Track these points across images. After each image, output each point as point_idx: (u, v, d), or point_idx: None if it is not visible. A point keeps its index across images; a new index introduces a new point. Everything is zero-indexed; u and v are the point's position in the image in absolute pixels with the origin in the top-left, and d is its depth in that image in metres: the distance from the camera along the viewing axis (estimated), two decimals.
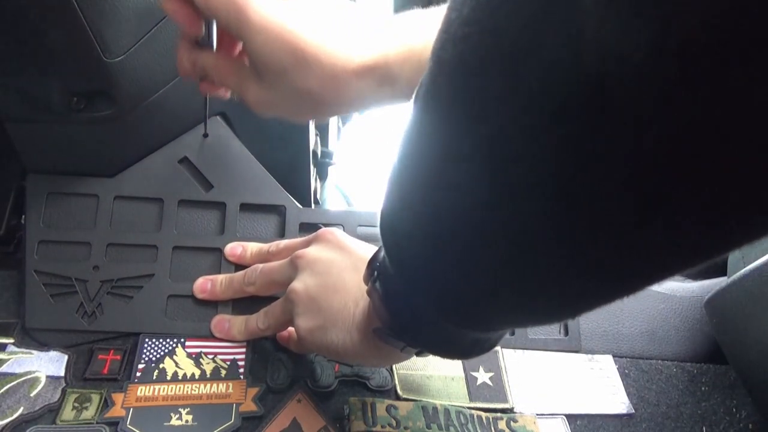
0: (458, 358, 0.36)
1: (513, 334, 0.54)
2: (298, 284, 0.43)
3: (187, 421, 0.43)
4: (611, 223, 0.18)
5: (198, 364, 0.47)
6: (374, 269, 0.35)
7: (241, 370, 0.47)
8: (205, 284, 0.50)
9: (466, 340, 0.33)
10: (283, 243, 0.50)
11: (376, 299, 0.35)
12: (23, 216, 0.51)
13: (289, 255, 0.47)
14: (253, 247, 0.51)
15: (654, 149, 0.16)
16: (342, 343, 0.40)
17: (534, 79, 0.17)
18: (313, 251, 0.44)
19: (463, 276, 0.25)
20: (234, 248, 0.51)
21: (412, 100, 0.24)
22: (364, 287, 0.38)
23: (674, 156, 0.15)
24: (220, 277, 0.50)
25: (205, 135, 0.54)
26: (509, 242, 0.21)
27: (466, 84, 0.19)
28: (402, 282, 0.29)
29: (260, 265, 0.49)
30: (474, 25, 0.18)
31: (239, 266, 0.51)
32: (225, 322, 0.49)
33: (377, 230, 0.29)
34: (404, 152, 0.25)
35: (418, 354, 0.38)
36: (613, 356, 0.54)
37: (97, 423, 0.42)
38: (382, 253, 0.34)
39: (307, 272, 0.43)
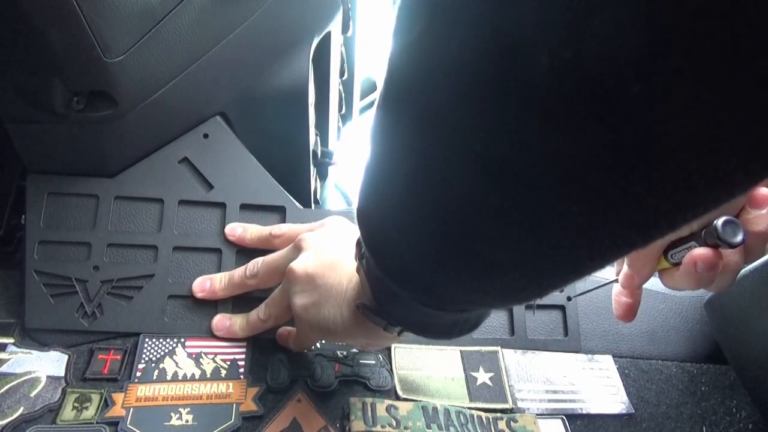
0: (440, 338, 0.36)
1: (513, 334, 0.54)
2: (297, 264, 0.44)
3: (187, 421, 0.43)
4: (578, 210, 0.18)
5: (198, 364, 0.47)
6: (362, 247, 0.36)
7: (241, 370, 0.47)
8: (204, 283, 0.50)
9: (444, 321, 0.34)
10: (286, 226, 0.51)
11: (363, 276, 0.36)
12: (23, 216, 0.51)
13: (291, 241, 0.48)
14: (253, 228, 0.52)
15: (644, 140, 0.16)
16: (333, 319, 0.41)
17: (524, 74, 0.17)
18: (316, 234, 0.46)
19: (420, 255, 0.25)
20: (234, 228, 0.52)
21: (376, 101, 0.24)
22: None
23: (667, 146, 0.16)
24: (219, 275, 0.50)
25: (205, 135, 0.54)
26: (465, 230, 0.22)
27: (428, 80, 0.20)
28: (374, 263, 0.30)
29: (261, 258, 0.49)
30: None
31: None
32: (225, 320, 0.49)
33: None
34: (373, 146, 0.26)
35: (400, 334, 0.38)
36: (613, 356, 0.54)
37: (97, 423, 0.42)
38: None
39: (308, 252, 0.44)
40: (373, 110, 0.24)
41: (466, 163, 0.19)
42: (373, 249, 0.29)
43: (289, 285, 0.44)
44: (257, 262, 0.49)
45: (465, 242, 0.22)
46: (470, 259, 0.23)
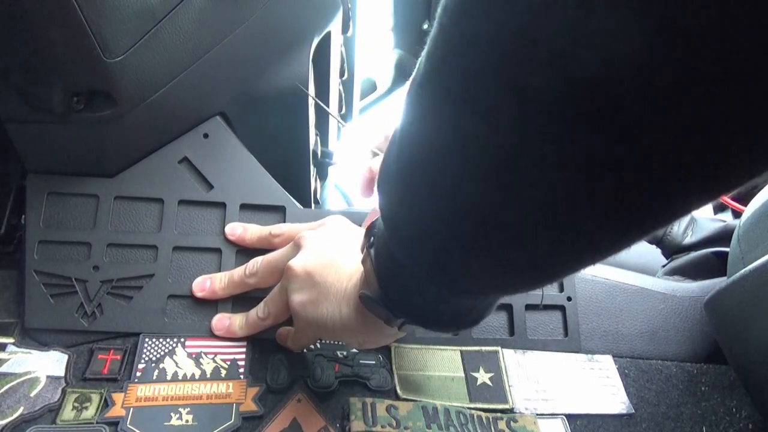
0: (442, 330, 0.36)
1: (513, 334, 0.54)
2: (295, 261, 0.44)
3: (187, 421, 0.43)
4: (593, 205, 0.19)
5: (198, 364, 0.47)
6: (371, 235, 0.36)
7: (241, 370, 0.47)
8: (204, 282, 0.50)
9: (450, 309, 0.34)
10: (286, 226, 0.51)
11: (368, 266, 0.36)
12: (23, 216, 0.51)
13: (290, 240, 0.48)
14: (253, 228, 0.52)
15: (651, 147, 0.16)
16: (331, 316, 0.41)
17: (533, 75, 0.17)
18: (316, 233, 0.46)
19: (450, 233, 0.25)
20: (234, 228, 0.52)
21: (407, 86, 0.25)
22: (360, 264, 0.39)
23: (670, 152, 0.16)
24: (219, 275, 0.50)
25: (205, 135, 0.54)
26: (493, 209, 0.22)
27: (459, 70, 0.20)
28: (393, 244, 0.30)
29: (261, 257, 0.49)
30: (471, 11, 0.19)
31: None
32: (225, 319, 0.49)
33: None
34: (402, 127, 0.26)
35: (400, 327, 0.38)
36: (613, 356, 0.54)
37: (97, 423, 0.42)
38: (379, 220, 0.36)
39: (307, 250, 0.44)
40: (408, 88, 0.24)
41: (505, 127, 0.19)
42: (394, 215, 0.29)
43: (287, 282, 0.44)
44: (257, 261, 0.49)
45: (502, 208, 0.22)
46: (505, 231, 0.22)
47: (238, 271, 0.49)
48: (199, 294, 0.49)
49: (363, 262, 0.38)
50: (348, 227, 0.48)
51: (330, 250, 0.44)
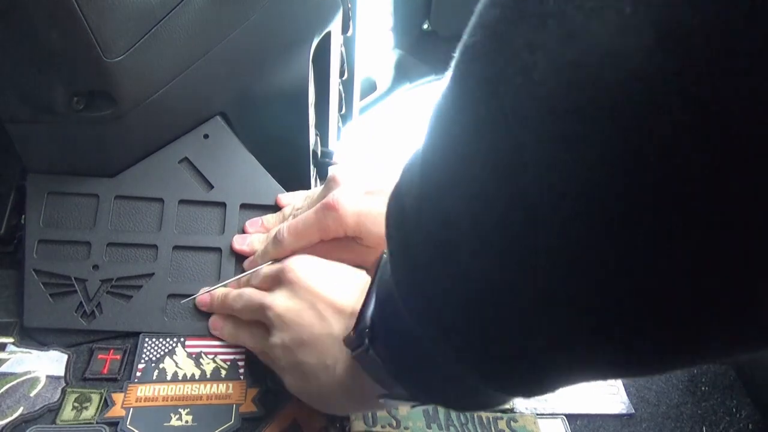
0: (474, 411, 0.33)
1: None
2: (275, 339, 0.42)
3: (187, 421, 0.43)
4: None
5: (198, 364, 0.47)
6: (364, 337, 0.32)
7: (241, 371, 0.47)
8: (205, 299, 0.49)
9: (494, 401, 0.31)
10: (246, 292, 0.47)
11: (370, 366, 0.33)
12: (23, 216, 0.51)
13: (249, 308, 0.45)
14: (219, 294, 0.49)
15: (656, 155, 0.15)
16: (327, 389, 0.39)
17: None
18: (280, 302, 0.42)
19: (519, 341, 0.21)
20: (203, 298, 0.49)
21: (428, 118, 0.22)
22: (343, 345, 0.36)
23: (678, 165, 0.15)
24: (218, 293, 0.49)
25: (206, 135, 0.54)
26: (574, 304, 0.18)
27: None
28: (436, 347, 0.25)
29: (247, 290, 0.46)
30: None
31: (239, 268, 0.51)
32: (220, 321, 0.49)
33: None
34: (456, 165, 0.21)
35: (413, 406, 0.36)
36: None
37: (97, 423, 0.42)
38: (369, 312, 0.33)
39: (280, 329, 0.42)
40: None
41: None
42: (445, 322, 0.23)
43: (271, 362, 0.43)
44: (241, 296, 0.46)
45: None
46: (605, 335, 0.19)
47: (232, 294, 0.48)
48: (201, 308, 0.49)
49: (359, 359, 0.34)
50: (312, 286, 0.42)
51: (304, 327, 0.40)
